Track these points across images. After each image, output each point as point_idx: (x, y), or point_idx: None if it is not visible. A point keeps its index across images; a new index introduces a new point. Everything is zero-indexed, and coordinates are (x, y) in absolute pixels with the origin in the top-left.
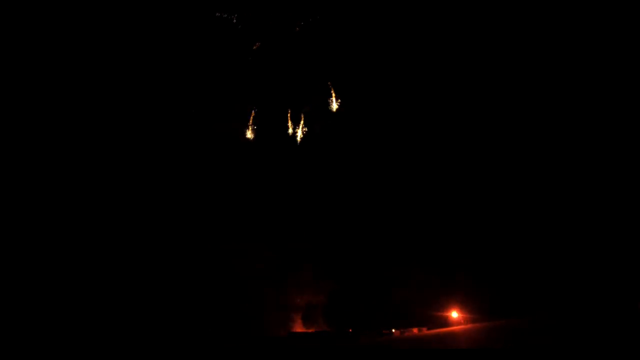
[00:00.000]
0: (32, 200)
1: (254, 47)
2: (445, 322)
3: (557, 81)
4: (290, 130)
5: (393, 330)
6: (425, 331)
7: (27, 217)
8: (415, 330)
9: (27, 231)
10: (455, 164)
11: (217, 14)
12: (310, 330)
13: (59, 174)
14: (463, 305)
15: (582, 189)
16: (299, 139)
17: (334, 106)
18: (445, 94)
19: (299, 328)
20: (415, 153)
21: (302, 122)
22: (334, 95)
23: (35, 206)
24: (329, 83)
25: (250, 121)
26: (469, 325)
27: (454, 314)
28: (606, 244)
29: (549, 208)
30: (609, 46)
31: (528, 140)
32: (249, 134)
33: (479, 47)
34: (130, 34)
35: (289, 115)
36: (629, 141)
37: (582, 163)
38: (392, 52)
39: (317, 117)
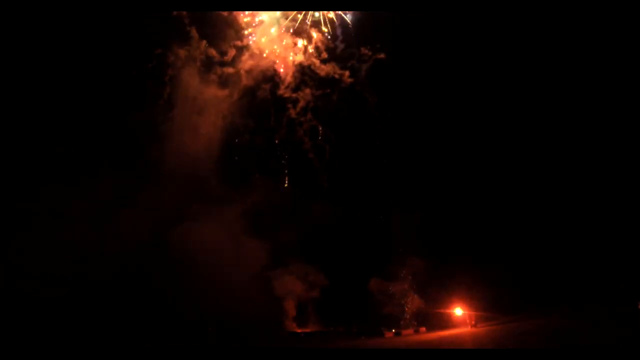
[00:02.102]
0: (31, 200)
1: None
2: (448, 321)
3: (558, 81)
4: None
5: (394, 331)
6: (423, 331)
7: (26, 217)
8: (411, 331)
9: (27, 230)
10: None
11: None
12: (307, 330)
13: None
14: (469, 301)
15: (584, 189)
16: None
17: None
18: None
19: (293, 326)
20: (420, 147)
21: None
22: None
23: (33, 206)
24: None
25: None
26: (470, 329)
27: (458, 311)
28: (607, 244)
29: (552, 207)
30: (609, 46)
31: (534, 140)
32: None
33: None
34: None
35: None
36: (630, 142)
37: (582, 164)
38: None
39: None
